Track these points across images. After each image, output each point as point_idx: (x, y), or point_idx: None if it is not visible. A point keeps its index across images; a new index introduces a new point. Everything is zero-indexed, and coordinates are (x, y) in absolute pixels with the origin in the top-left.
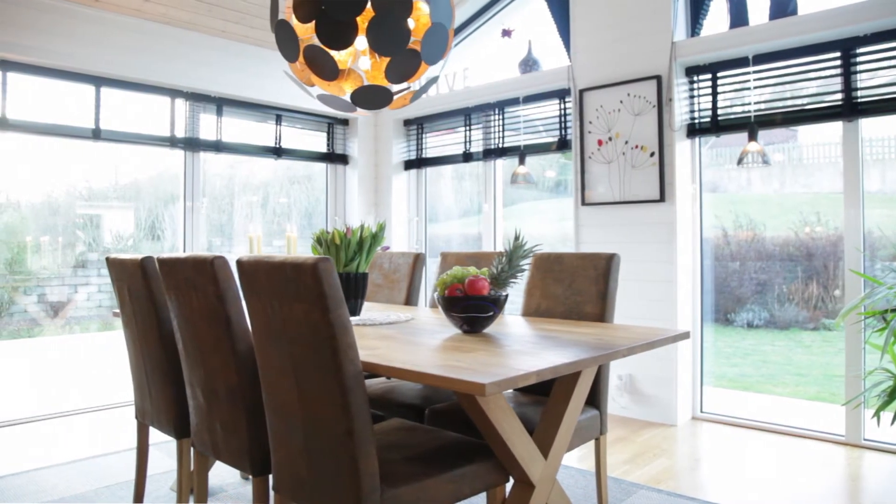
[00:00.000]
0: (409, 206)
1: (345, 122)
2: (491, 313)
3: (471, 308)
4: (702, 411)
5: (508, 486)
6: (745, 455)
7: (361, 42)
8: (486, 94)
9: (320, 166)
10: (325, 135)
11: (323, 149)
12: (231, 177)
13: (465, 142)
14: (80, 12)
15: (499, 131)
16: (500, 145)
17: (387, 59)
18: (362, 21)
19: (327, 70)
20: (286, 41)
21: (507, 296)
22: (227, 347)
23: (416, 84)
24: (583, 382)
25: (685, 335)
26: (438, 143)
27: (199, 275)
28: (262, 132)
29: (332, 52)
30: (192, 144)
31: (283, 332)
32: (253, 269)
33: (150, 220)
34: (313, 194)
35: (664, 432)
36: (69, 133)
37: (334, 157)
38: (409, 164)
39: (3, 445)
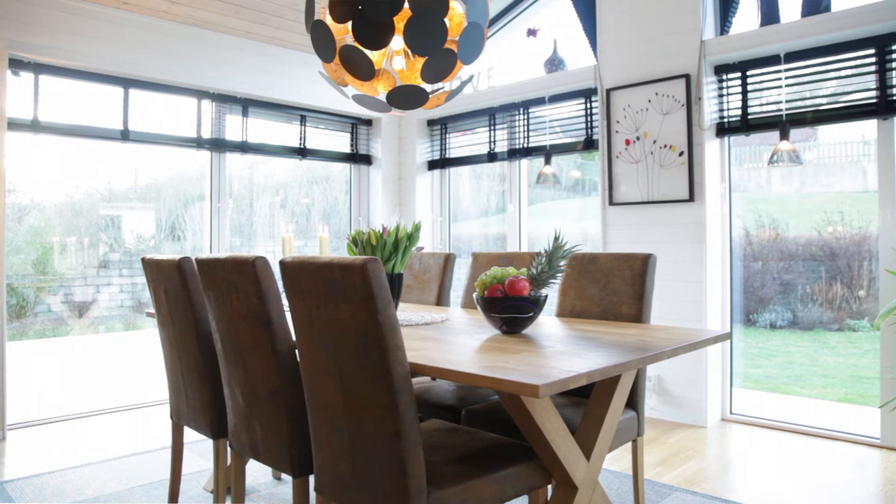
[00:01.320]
0: (432, 207)
1: (368, 122)
2: (531, 314)
3: (511, 309)
4: (731, 413)
5: (546, 487)
6: (778, 457)
7: (396, 42)
8: (511, 93)
9: (338, 167)
10: (348, 135)
11: (347, 149)
12: (250, 178)
13: (490, 142)
14: (109, 14)
15: (524, 131)
16: (525, 145)
17: (421, 59)
18: (398, 21)
19: (363, 70)
20: (322, 41)
21: (546, 296)
22: (267, 348)
23: (448, 84)
24: (624, 383)
25: (726, 336)
26: (462, 143)
27: (240, 275)
28: (285, 133)
29: (368, 52)
30: (219, 145)
31: (327, 332)
32: (297, 270)
33: (171, 221)
34: (331, 195)
35: (694, 434)
36: (98, 135)
37: (358, 158)
38: (432, 165)
39: (37, 444)
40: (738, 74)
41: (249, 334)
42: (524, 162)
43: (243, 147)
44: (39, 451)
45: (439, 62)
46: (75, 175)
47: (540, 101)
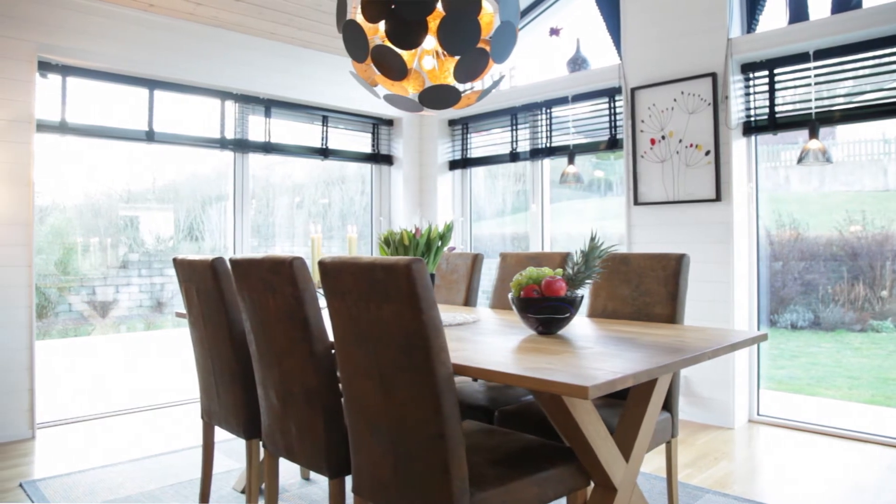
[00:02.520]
0: (453, 207)
1: (389, 122)
2: (567, 315)
3: (548, 309)
4: (759, 414)
5: (585, 489)
6: (808, 459)
7: (427, 42)
8: (534, 93)
9: (353, 168)
10: (369, 135)
11: (368, 149)
12: (266, 178)
13: (512, 141)
14: (135, 16)
15: (546, 131)
16: (548, 145)
17: (451, 59)
18: (431, 20)
19: (396, 70)
20: (354, 41)
21: (583, 297)
22: (304, 349)
23: (480, 83)
24: (661, 385)
25: (763, 337)
26: (483, 142)
27: (277, 276)
28: (307, 133)
29: (400, 52)
30: (242, 146)
31: (369, 333)
32: (337, 271)
33: (189, 222)
34: (347, 195)
35: (722, 435)
36: (124, 136)
37: (379, 158)
38: (453, 165)
39: (66, 443)
40: (766, 73)
41: (285, 335)
42: (546, 162)
43: (266, 147)
44: (69, 449)
45: (472, 62)
46: (95, 176)
47: (563, 101)
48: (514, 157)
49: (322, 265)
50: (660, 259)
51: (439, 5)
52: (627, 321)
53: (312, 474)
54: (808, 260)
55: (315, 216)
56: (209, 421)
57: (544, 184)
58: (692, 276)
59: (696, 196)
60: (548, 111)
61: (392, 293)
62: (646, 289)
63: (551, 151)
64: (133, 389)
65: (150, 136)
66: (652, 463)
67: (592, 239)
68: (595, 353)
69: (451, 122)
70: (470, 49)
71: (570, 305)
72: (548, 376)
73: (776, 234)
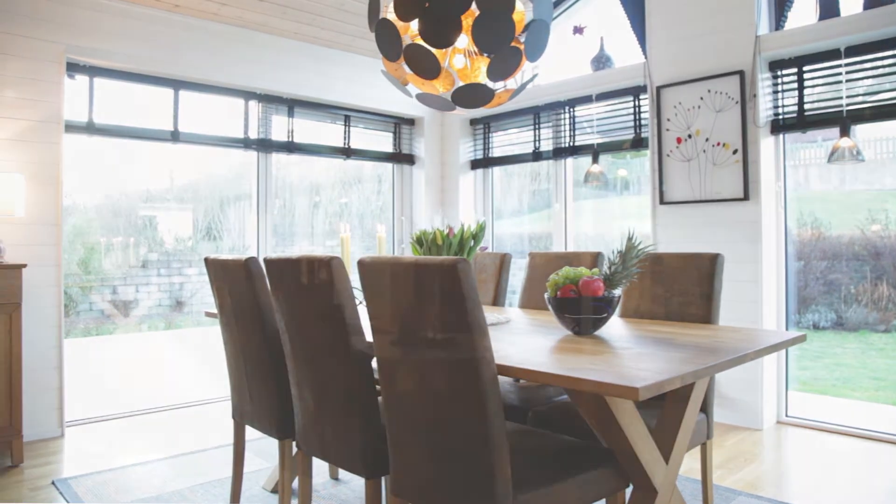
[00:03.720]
0: (475, 206)
1: (411, 122)
2: (605, 315)
3: (586, 309)
4: (787, 415)
5: (624, 491)
6: (838, 461)
7: (459, 40)
8: (557, 92)
9: (370, 167)
10: (391, 135)
11: (389, 149)
12: (283, 178)
13: (535, 140)
14: (160, 17)
15: (569, 130)
16: (571, 144)
17: (481, 57)
18: (465, 18)
19: (428, 68)
20: (387, 39)
21: (620, 297)
22: (341, 349)
23: (513, 81)
24: (700, 386)
25: (802, 338)
26: (505, 141)
27: (314, 275)
28: (330, 133)
29: (432, 51)
30: (265, 145)
31: (411, 334)
32: (378, 271)
33: (207, 222)
34: (364, 195)
35: (751, 437)
36: (149, 136)
37: (401, 157)
38: (475, 164)
39: (94, 441)
40: (795, 70)
41: (322, 335)
42: (569, 161)
43: (289, 147)
44: (98, 448)
45: (505, 60)
46: (116, 176)
47: (586, 100)
48: (536, 156)
49: (361, 265)
50: (693, 259)
51: (473, 4)
52: (661, 321)
53: (341, 474)
54: (829, 259)
55: (332, 216)
56: (240, 420)
57: (567, 183)
58: None
59: (723, 195)
60: (571, 110)
61: (436, 293)
62: (680, 289)
63: (574, 151)
64: (159, 388)
65: (174, 137)
66: (684, 464)
67: (630, 238)
68: (636, 354)
69: (473, 122)
70: (503, 48)
71: (608, 305)
72: (595, 377)
73: (797, 234)
